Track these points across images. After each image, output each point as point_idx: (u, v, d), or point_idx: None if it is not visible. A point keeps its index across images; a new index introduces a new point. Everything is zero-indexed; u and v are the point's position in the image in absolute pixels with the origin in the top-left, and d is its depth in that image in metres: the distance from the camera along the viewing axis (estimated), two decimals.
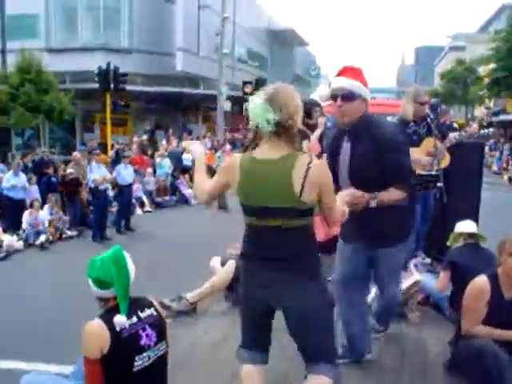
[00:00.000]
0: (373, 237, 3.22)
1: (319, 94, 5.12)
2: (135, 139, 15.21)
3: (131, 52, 22.67)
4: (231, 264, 4.80)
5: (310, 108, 4.37)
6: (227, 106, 19.86)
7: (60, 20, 22.73)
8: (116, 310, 2.49)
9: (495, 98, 27.52)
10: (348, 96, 3.00)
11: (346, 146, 3.15)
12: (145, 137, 16.89)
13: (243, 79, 21.43)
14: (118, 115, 23.97)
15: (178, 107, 25.43)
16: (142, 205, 12.18)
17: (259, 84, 19.41)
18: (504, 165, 24.26)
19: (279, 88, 2.42)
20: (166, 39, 22.97)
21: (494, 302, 3.31)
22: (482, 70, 37.98)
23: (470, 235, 4.38)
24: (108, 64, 16.21)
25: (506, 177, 20.90)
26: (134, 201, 11.57)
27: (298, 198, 2.34)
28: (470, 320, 3.38)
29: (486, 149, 30.51)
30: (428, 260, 5.39)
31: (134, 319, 2.51)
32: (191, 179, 14.24)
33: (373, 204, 3.00)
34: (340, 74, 3.09)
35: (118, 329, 2.42)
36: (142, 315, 2.56)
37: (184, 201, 13.26)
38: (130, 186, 10.32)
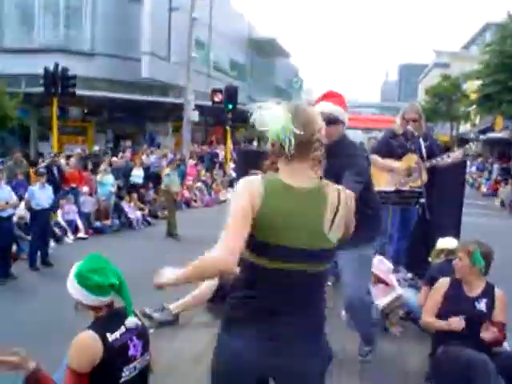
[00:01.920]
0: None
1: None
2: (77, 151, 13.21)
3: (94, 55, 20.74)
4: None
5: None
6: (194, 116, 18.00)
7: (14, 18, 20.75)
8: (108, 318, 2.46)
9: (486, 114, 26.00)
10: (332, 120, 3.19)
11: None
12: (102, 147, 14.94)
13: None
14: (78, 123, 22.05)
15: (145, 117, 23.51)
16: (76, 230, 10.17)
17: (230, 92, 17.68)
18: (494, 186, 22.68)
19: (300, 104, 2.14)
20: (132, 42, 21.08)
21: (454, 296, 3.57)
22: (468, 87, 36.91)
23: (451, 251, 4.43)
24: (56, 65, 14.26)
25: (497, 201, 19.20)
26: (57, 228, 9.64)
27: (325, 237, 2.04)
28: (425, 309, 3.71)
29: (473, 169, 29.13)
30: (410, 275, 5.33)
31: (123, 329, 2.46)
32: (141, 199, 12.28)
33: None
34: (324, 98, 3.37)
35: (110, 339, 2.37)
36: (128, 325, 2.48)
37: (129, 225, 11.30)
38: (46, 210, 8.39)
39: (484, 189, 23.37)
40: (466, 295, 3.60)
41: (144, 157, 15.31)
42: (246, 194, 2.02)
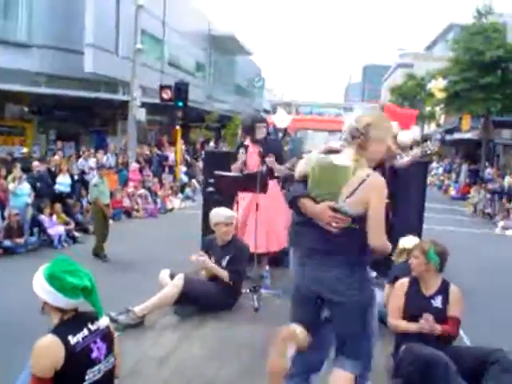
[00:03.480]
0: None
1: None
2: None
3: (31, 47, 18.73)
4: (180, 278, 4.75)
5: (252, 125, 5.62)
6: (141, 114, 16.23)
7: None
8: (71, 321, 2.49)
9: (454, 113, 24.96)
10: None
11: None
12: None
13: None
14: (16, 122, 20.00)
15: (93, 116, 21.58)
16: None
17: (180, 89, 16.03)
18: (464, 189, 21.60)
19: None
20: (75, 34, 19.16)
21: (413, 298, 3.78)
22: (433, 86, 36.10)
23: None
24: None
25: (469, 208, 18.00)
26: None
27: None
28: (392, 313, 3.87)
29: (440, 170, 28.16)
30: (374, 274, 5.27)
31: (86, 332, 2.48)
32: (67, 211, 10.49)
33: None
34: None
35: (72, 343, 2.39)
36: (92, 328, 2.52)
37: (49, 243, 9.42)
38: None
39: (453, 192, 22.28)
40: (423, 294, 3.81)
41: (81, 160, 13.49)
42: None
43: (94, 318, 2.55)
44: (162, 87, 16.32)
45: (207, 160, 7.28)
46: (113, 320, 4.25)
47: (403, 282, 3.92)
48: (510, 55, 19.29)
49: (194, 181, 17.63)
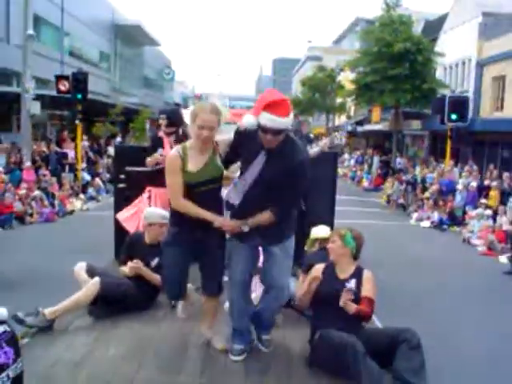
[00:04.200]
0: (265, 235, 3.66)
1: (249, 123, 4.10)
2: None
3: None
4: (96, 280, 4.57)
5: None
6: (35, 107, 14.69)
7: None
8: None
9: (365, 105, 25.08)
10: (279, 132, 3.44)
11: (261, 159, 3.56)
12: None
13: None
14: None
15: None
16: None
17: (78, 80, 14.66)
18: (376, 181, 21.67)
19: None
20: None
21: (328, 281, 3.94)
22: (342, 78, 36.48)
23: (325, 239, 4.72)
24: None
25: (383, 199, 17.94)
26: None
27: None
28: (300, 290, 4.17)
29: (352, 162, 28.36)
30: None
31: None
32: None
33: (246, 229, 3.61)
34: (268, 108, 3.37)
35: None
36: None
37: None
38: None
39: (365, 183, 22.34)
40: (338, 277, 4.00)
41: None
42: None
43: None
44: (59, 78, 14.86)
45: (118, 155, 6.98)
46: (19, 321, 4.15)
47: (318, 268, 4.10)
48: (416, 47, 19.48)
49: (97, 179, 16.28)
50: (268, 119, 3.35)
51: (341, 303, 3.71)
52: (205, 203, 3.57)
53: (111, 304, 4.64)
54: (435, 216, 13.60)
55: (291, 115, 3.46)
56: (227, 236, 3.81)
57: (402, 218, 14.92)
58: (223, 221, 3.62)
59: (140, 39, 37.63)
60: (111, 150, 21.07)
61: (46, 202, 12.34)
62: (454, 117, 15.25)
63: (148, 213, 5.01)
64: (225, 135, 3.78)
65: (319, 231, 5.03)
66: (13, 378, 2.44)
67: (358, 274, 3.97)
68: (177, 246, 3.70)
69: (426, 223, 13.69)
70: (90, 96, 22.23)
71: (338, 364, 3.54)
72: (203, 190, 3.60)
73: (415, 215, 14.43)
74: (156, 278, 4.70)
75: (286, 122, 3.39)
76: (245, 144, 3.61)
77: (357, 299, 3.79)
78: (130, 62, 36.88)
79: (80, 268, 4.80)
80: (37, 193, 12.23)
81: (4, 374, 2.39)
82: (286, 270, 3.83)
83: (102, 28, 30.87)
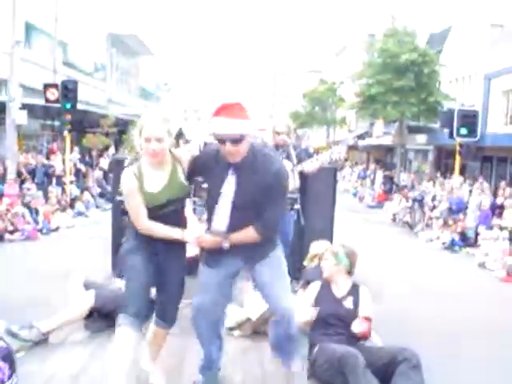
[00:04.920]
0: (248, 255, 3.31)
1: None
2: None
3: None
4: (91, 293, 4.57)
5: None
6: (22, 117, 13.87)
7: None
8: None
9: (368, 118, 24.32)
10: (237, 140, 3.01)
11: (231, 179, 3.17)
12: None
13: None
14: None
15: None
16: None
17: (67, 88, 13.85)
18: (380, 197, 20.81)
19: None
20: None
21: (324, 300, 3.92)
22: (343, 91, 35.82)
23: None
24: None
25: (388, 216, 17.00)
26: None
27: None
28: (300, 313, 3.78)
29: (354, 177, 27.55)
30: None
31: None
32: None
33: (226, 246, 3.20)
34: (219, 113, 3.01)
35: None
36: None
37: None
38: None
39: (369, 199, 21.46)
40: (335, 296, 3.95)
41: None
42: None
43: None
44: (47, 86, 14.04)
45: (116, 167, 6.61)
46: (13, 335, 4.12)
47: (314, 286, 4.08)
48: (423, 59, 18.78)
49: (86, 193, 15.38)
50: (220, 124, 2.99)
51: (355, 330, 3.73)
52: (167, 225, 3.21)
53: (107, 317, 4.45)
54: (446, 236, 12.72)
55: (251, 120, 3.06)
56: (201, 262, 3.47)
57: (408, 237, 14.06)
58: (200, 236, 3.22)
59: (137, 50, 37.00)
60: (104, 163, 20.22)
61: (29, 218, 11.44)
62: (463, 131, 14.46)
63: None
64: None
65: (319, 247, 4.96)
66: None
67: (354, 291, 3.96)
68: (138, 254, 3.27)
69: (436, 243, 12.82)
70: (84, 107, 21.56)
71: (337, 376, 3.53)
72: (165, 211, 3.21)
73: (423, 235, 13.57)
74: None
75: (243, 125, 2.99)
76: (206, 170, 3.25)
77: (354, 318, 3.80)
78: (126, 72, 36.18)
79: (76, 281, 4.78)
80: (19, 208, 11.34)
81: None
82: (283, 284, 3.42)
83: (97, 37, 30.18)
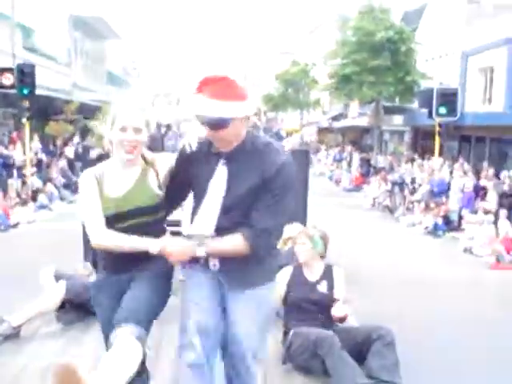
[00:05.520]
0: (229, 274, 2.56)
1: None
2: None
3: None
4: (62, 284, 4.48)
5: None
6: None
7: None
8: None
9: (344, 99, 23.70)
10: (218, 124, 2.39)
11: (221, 170, 2.52)
12: None
13: None
14: None
15: None
16: None
17: (23, 73, 12.88)
18: (357, 180, 20.31)
19: None
20: None
21: (298, 284, 3.87)
22: (316, 73, 35.16)
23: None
24: None
25: (368, 201, 16.38)
26: None
27: None
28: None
29: (329, 160, 27.02)
30: None
31: None
32: None
33: (201, 253, 2.44)
34: (200, 89, 2.39)
35: None
36: None
37: None
38: None
39: (346, 183, 20.92)
40: (308, 280, 3.89)
41: None
42: None
43: None
44: (2, 71, 13.02)
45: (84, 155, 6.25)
46: None
47: (285, 272, 3.94)
48: (399, 36, 18.19)
49: (49, 184, 14.45)
50: (198, 104, 2.39)
51: (336, 315, 3.67)
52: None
53: (80, 308, 4.45)
54: (429, 220, 12.23)
55: (243, 100, 2.39)
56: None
57: (389, 222, 13.56)
58: (168, 243, 2.47)
59: (103, 33, 35.66)
60: (69, 151, 19.25)
61: None
62: (442, 110, 14.00)
63: None
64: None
65: (292, 230, 4.77)
66: None
67: (328, 274, 3.91)
68: (106, 296, 2.72)
69: (418, 228, 12.34)
70: (46, 92, 20.44)
71: (313, 359, 3.54)
72: (130, 224, 2.57)
73: (404, 219, 13.08)
74: None
75: (225, 107, 2.34)
76: (193, 162, 2.57)
77: (329, 301, 3.76)
78: (92, 56, 34.86)
79: (47, 273, 4.68)
80: None
81: None
82: (255, 330, 2.60)
83: (59, 20, 28.87)
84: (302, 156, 6.39)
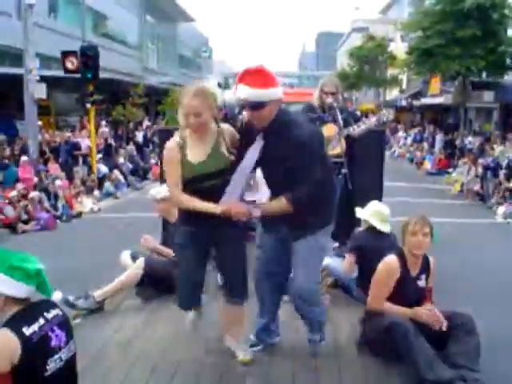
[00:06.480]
0: (289, 226, 3.29)
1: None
2: None
3: None
4: (141, 260, 4.73)
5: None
6: (40, 91, 12.52)
7: None
8: (24, 312, 2.37)
9: (424, 75, 21.89)
10: (256, 106, 3.05)
11: (258, 144, 3.16)
12: None
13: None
14: None
15: None
16: None
17: (87, 56, 12.39)
18: (441, 163, 18.68)
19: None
20: None
21: (402, 280, 3.66)
22: (394, 48, 33.18)
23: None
24: None
25: (454, 187, 14.77)
26: None
27: None
28: (377, 296, 3.70)
29: (409, 140, 25.33)
30: (336, 244, 5.45)
31: (42, 321, 2.39)
32: None
33: (257, 213, 3.16)
34: (242, 79, 3.05)
35: (27, 334, 2.28)
36: (48, 316, 2.44)
37: None
38: None
39: (429, 166, 19.31)
40: (411, 276, 3.72)
41: None
42: None
43: (49, 306, 2.49)
44: (65, 54, 12.58)
45: (163, 139, 6.07)
46: (71, 305, 4.31)
47: (394, 267, 3.68)
48: (491, 2, 16.25)
49: (116, 171, 14.01)
50: (241, 91, 3.04)
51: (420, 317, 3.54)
52: (210, 201, 3.11)
53: (158, 284, 4.67)
54: None
55: (273, 87, 3.04)
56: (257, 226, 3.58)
57: (483, 213, 12.04)
58: (229, 206, 3.07)
59: (174, 15, 35.31)
60: (139, 136, 18.93)
61: (47, 205, 10.17)
62: None
63: (155, 191, 4.89)
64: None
65: (380, 207, 4.75)
66: (66, 360, 2.43)
67: (425, 267, 3.78)
68: (190, 248, 3.33)
69: None
70: (117, 76, 20.12)
71: (385, 344, 3.48)
72: (206, 185, 3.15)
73: (501, 210, 11.55)
74: (169, 252, 4.66)
75: (261, 92, 3.00)
76: (245, 136, 3.26)
77: (424, 294, 3.74)
78: (163, 39, 34.61)
79: (125, 255, 4.94)
80: (34, 194, 10.05)
81: (57, 356, 2.37)
82: (311, 273, 3.37)
83: (130, 2, 28.62)
84: (378, 136, 6.36)
